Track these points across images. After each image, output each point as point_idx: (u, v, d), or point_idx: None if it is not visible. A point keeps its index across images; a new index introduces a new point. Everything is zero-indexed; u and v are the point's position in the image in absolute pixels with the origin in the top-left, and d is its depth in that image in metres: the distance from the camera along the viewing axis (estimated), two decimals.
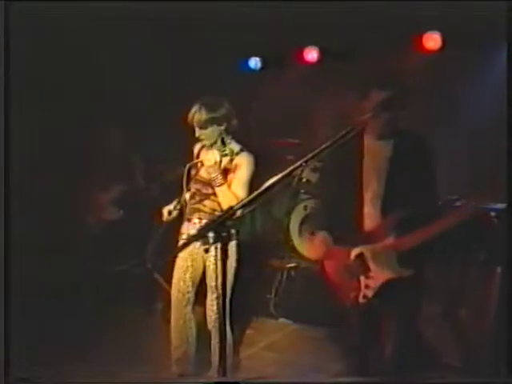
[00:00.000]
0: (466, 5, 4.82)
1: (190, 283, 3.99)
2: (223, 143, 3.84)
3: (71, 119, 5.84)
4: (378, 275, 3.51)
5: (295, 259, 5.88)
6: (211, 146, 3.85)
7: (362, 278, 3.55)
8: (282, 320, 5.40)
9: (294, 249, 5.96)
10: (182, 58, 6.13)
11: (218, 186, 3.73)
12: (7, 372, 3.16)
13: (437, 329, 4.29)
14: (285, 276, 5.70)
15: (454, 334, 4.27)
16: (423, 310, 3.95)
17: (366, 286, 3.52)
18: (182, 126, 3.90)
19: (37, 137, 5.38)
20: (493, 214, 4.18)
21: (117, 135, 5.95)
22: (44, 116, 5.41)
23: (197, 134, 3.83)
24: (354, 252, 3.56)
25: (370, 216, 3.56)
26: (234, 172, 3.77)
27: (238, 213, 2.27)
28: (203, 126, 3.77)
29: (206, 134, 3.80)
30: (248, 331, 5.11)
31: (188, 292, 3.99)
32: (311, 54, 6.46)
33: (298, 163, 2.31)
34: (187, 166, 3.85)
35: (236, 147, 3.84)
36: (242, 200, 2.50)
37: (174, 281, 4.03)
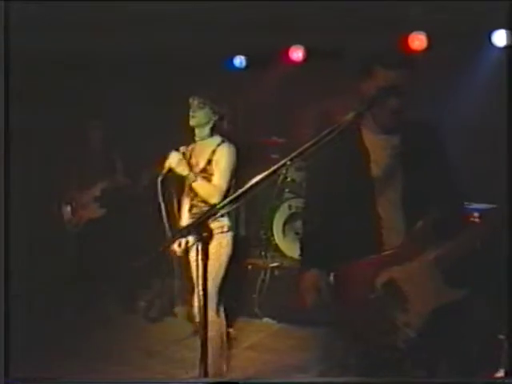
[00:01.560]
0: (452, 5, 4.85)
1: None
2: (209, 132, 3.93)
3: (52, 118, 5.80)
4: (421, 305, 2.65)
5: (279, 258, 5.87)
6: (197, 127, 3.92)
7: (398, 315, 2.66)
8: (266, 320, 5.39)
9: (277, 248, 5.95)
10: (166, 56, 6.11)
11: (193, 182, 3.80)
12: (7, 372, 3.14)
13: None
14: (268, 275, 5.68)
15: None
16: None
17: (406, 324, 2.65)
18: (166, 123, 3.90)
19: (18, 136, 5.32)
20: (476, 214, 4.14)
21: (98, 133, 5.90)
22: (24, 114, 5.35)
23: (191, 112, 3.90)
24: (380, 280, 2.69)
25: (391, 229, 2.78)
26: (216, 163, 3.84)
27: (221, 211, 2.25)
28: (201, 106, 3.87)
29: (200, 114, 3.88)
30: (232, 331, 5.08)
31: None
32: (296, 54, 6.45)
33: (282, 162, 2.27)
34: (159, 178, 3.76)
35: (218, 139, 3.92)
36: (224, 198, 2.46)
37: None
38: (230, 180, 3.83)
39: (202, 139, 3.95)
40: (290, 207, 6.02)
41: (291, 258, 5.86)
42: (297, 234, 6.01)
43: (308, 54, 6.41)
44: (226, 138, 3.92)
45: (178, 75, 6.11)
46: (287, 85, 6.42)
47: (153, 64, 6.14)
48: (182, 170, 3.79)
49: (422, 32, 5.67)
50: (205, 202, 3.82)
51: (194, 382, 3.83)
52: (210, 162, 3.85)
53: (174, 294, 5.57)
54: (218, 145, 3.87)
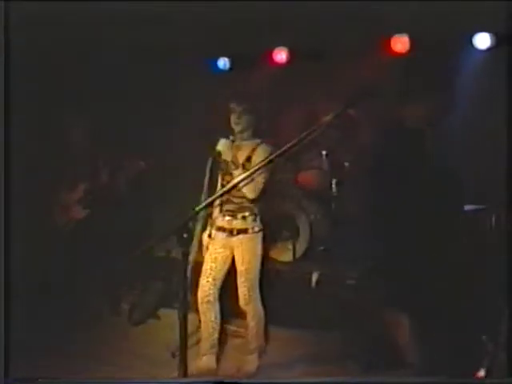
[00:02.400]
0: (435, 7, 4.89)
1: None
2: (250, 135, 4.21)
3: (36, 118, 5.77)
4: None
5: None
6: (241, 132, 4.19)
7: None
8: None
9: None
10: (150, 57, 6.09)
11: (234, 170, 4.03)
12: (7, 372, 3.14)
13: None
14: None
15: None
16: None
17: None
18: (147, 123, 3.91)
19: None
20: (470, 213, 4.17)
21: (80, 133, 5.88)
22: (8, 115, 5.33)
23: (235, 119, 4.16)
24: None
25: None
26: (254, 161, 4.07)
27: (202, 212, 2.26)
28: (244, 112, 4.15)
29: (244, 119, 4.16)
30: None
31: None
32: (280, 55, 6.45)
33: (265, 161, 2.30)
34: (210, 159, 4.12)
35: (258, 140, 4.22)
36: (205, 201, 2.50)
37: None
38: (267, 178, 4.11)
39: (243, 140, 4.21)
40: None
41: (275, 259, 5.87)
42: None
43: (292, 55, 6.42)
44: (265, 138, 4.21)
45: (162, 76, 6.11)
46: (271, 86, 6.42)
47: (136, 65, 6.12)
48: (228, 154, 4.06)
49: (404, 34, 5.71)
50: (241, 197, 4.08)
51: (194, 381, 3.85)
52: (249, 159, 4.12)
53: (158, 296, 5.57)
54: (258, 144, 4.17)
